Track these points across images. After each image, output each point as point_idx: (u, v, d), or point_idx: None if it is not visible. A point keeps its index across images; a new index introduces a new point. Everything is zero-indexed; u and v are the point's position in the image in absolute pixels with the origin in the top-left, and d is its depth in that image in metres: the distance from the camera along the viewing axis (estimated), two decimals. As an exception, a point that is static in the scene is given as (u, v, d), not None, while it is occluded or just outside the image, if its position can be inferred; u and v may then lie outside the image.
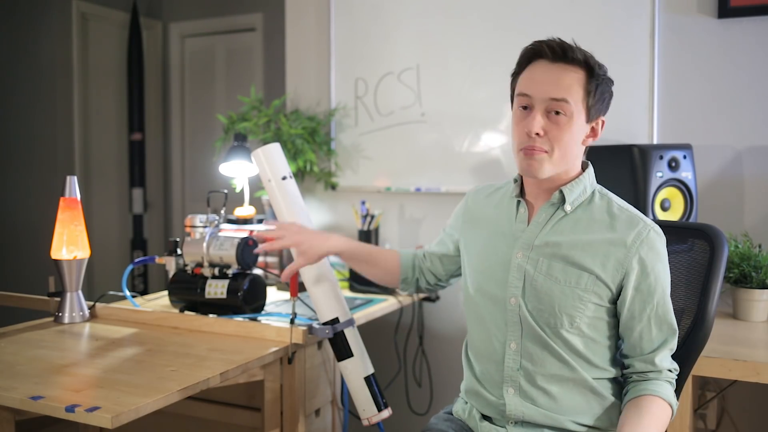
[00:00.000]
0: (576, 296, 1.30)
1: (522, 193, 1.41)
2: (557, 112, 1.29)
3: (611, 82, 1.35)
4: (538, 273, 1.33)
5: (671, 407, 1.29)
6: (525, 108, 1.32)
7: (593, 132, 1.36)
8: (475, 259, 1.44)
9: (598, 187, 1.40)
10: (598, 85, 1.31)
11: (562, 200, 1.35)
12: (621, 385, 1.37)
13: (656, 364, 1.30)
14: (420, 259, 1.65)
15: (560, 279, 1.31)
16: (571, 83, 1.29)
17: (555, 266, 1.32)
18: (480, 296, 1.41)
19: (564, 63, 1.30)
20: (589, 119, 1.33)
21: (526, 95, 1.31)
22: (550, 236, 1.34)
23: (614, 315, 1.34)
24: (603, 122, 1.37)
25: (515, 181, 1.42)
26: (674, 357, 1.39)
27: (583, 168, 1.39)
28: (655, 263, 1.30)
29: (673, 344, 1.33)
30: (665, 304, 1.31)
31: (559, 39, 1.32)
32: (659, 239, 1.31)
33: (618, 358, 1.37)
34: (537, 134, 1.28)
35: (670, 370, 1.32)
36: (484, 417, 1.41)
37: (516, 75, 1.37)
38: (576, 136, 1.31)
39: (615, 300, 1.32)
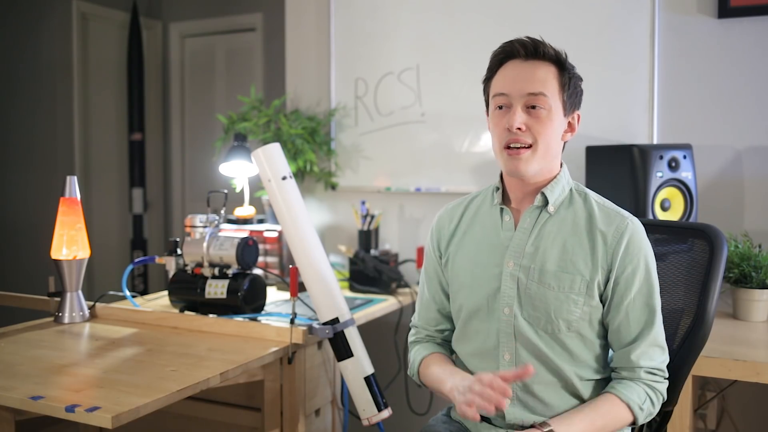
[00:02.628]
0: (571, 300, 1.29)
1: (504, 200, 1.40)
2: (535, 107, 1.30)
3: (580, 78, 1.37)
4: (530, 281, 1.32)
5: (630, 410, 1.27)
6: (501, 108, 1.33)
7: (570, 127, 1.37)
8: (461, 274, 1.41)
9: (574, 183, 1.40)
10: (570, 78, 1.33)
11: (545, 202, 1.35)
12: None
13: (631, 360, 1.29)
14: (441, 340, 1.51)
15: (553, 285, 1.30)
16: (545, 77, 1.31)
17: (547, 273, 1.31)
18: (469, 310, 1.38)
19: (536, 59, 1.31)
20: (565, 113, 1.34)
21: (503, 94, 1.32)
22: (539, 241, 1.33)
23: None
24: (579, 116, 1.38)
25: (496, 189, 1.41)
26: (674, 357, 1.39)
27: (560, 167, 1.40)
28: (635, 255, 1.30)
29: (654, 338, 1.30)
30: (644, 296, 1.30)
31: (527, 36, 1.34)
32: (638, 230, 1.32)
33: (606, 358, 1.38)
34: (519, 129, 1.29)
35: (649, 372, 1.29)
36: (483, 418, 1.40)
37: (488, 80, 1.38)
38: (557, 130, 1.33)
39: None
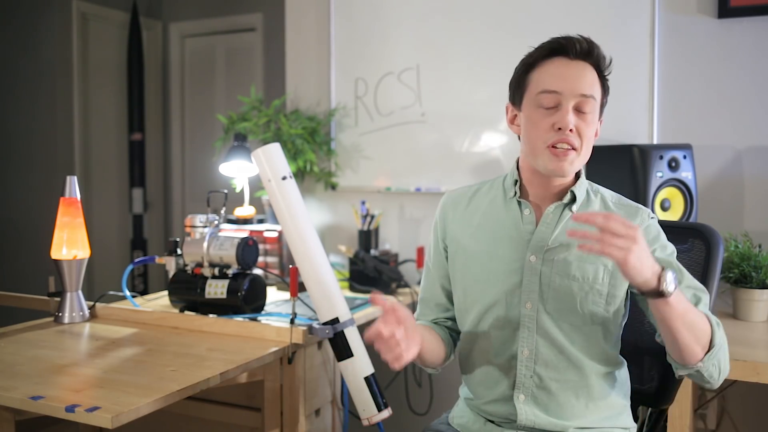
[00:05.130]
0: (596, 292, 1.30)
1: (522, 194, 1.38)
2: (582, 111, 1.28)
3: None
4: (554, 273, 1.31)
5: (710, 324, 1.21)
6: (547, 107, 1.28)
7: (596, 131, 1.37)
8: (475, 268, 1.38)
9: (587, 182, 1.41)
10: (606, 83, 1.33)
11: (573, 200, 1.34)
12: (627, 380, 1.40)
13: (704, 312, 1.24)
14: (440, 323, 1.51)
15: (578, 276, 1.30)
16: (593, 80, 1.29)
17: (571, 265, 1.30)
18: (485, 306, 1.36)
19: (581, 60, 1.29)
20: (600, 118, 1.34)
21: (554, 92, 1.27)
22: (562, 236, 1.32)
23: (625, 308, 1.35)
24: (602, 121, 1.37)
25: (514, 182, 1.38)
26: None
27: None
28: (664, 245, 1.32)
29: (706, 298, 1.28)
30: (683, 270, 1.30)
31: (581, 35, 1.30)
32: (657, 223, 1.35)
33: (619, 348, 1.38)
34: (571, 130, 1.26)
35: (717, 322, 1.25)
36: (489, 420, 1.40)
37: (526, 72, 1.33)
38: (593, 134, 1.32)
39: (630, 292, 1.33)
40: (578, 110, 1.27)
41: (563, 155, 1.27)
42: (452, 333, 1.51)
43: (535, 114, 1.30)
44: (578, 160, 1.30)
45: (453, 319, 1.49)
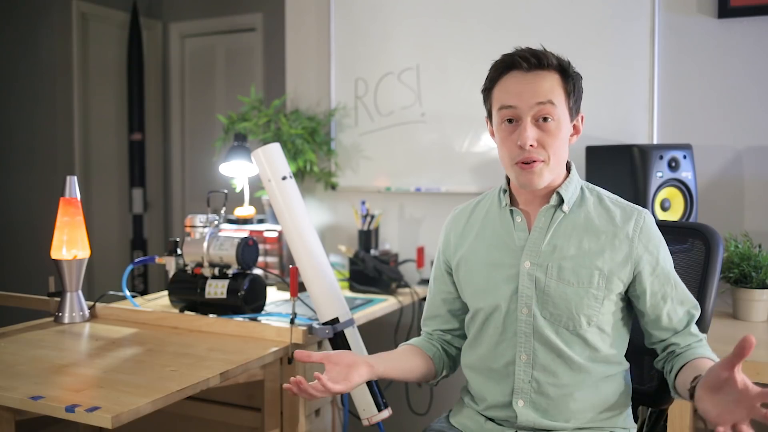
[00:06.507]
0: (591, 296, 1.30)
1: (512, 201, 1.40)
2: (545, 119, 1.29)
3: (580, 76, 1.37)
4: (549, 278, 1.32)
5: None
6: (511, 122, 1.31)
7: (576, 129, 1.38)
8: (476, 278, 1.40)
9: (583, 182, 1.41)
10: (574, 84, 1.33)
11: (560, 201, 1.35)
12: (627, 381, 1.39)
13: (695, 333, 1.34)
14: (437, 337, 1.52)
15: (573, 281, 1.31)
16: (551, 86, 1.30)
17: (566, 269, 1.31)
18: (486, 313, 1.38)
19: (538, 70, 1.30)
20: (572, 118, 1.35)
21: (511, 107, 1.30)
22: (555, 240, 1.33)
23: (627, 308, 1.36)
24: (582, 118, 1.38)
25: (504, 191, 1.41)
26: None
27: (567, 167, 1.40)
28: (659, 246, 1.33)
29: (698, 314, 1.36)
30: (679, 281, 1.35)
31: (528, 48, 1.33)
32: (653, 223, 1.36)
33: (623, 350, 1.38)
34: (531, 146, 1.28)
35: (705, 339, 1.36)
36: (488, 419, 1.40)
37: (488, 90, 1.37)
38: (565, 139, 1.33)
39: (626, 292, 1.34)
40: (539, 119, 1.29)
41: (530, 168, 1.30)
42: (449, 348, 1.52)
43: (501, 131, 1.34)
44: (547, 170, 1.31)
45: (453, 332, 1.52)
